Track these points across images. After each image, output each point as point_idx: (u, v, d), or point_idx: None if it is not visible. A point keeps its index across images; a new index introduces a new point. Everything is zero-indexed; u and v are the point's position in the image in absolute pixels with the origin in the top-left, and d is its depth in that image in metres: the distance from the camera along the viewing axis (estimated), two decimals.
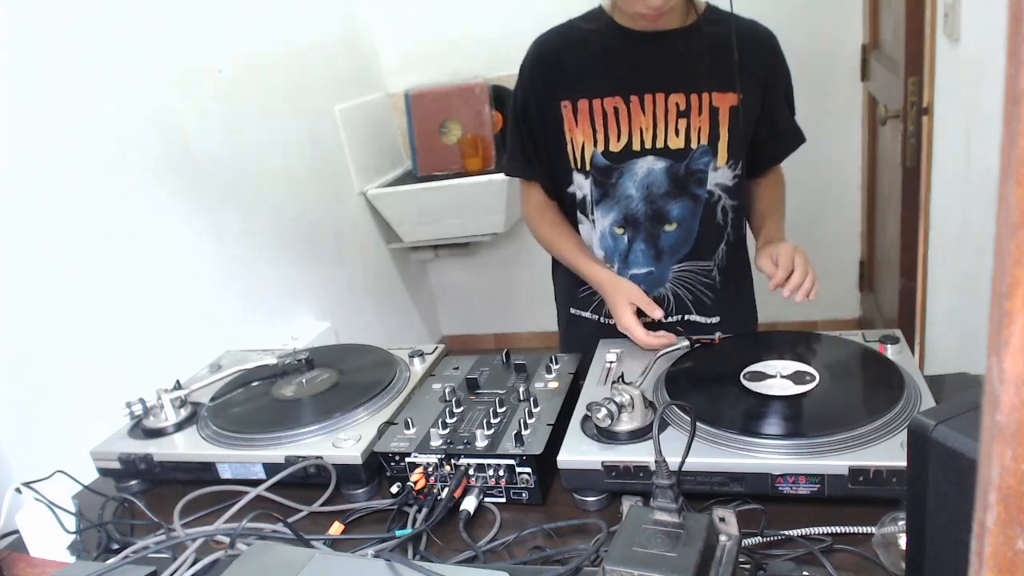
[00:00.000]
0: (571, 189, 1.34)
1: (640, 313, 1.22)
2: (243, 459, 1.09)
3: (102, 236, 1.72)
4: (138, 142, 1.86)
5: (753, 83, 1.26)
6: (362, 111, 2.98)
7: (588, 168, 1.30)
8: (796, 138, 1.37)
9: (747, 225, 1.39)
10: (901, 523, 0.76)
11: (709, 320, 1.38)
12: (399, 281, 3.26)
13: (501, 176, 2.80)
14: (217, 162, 2.15)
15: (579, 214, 1.36)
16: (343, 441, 1.05)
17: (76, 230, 1.65)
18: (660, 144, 1.26)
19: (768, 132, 1.32)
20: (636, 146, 1.26)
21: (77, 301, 1.63)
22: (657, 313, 1.21)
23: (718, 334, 1.18)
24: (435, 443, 1.01)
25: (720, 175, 1.29)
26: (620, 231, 1.32)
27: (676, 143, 1.26)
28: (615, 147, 1.27)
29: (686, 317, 1.37)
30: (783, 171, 1.43)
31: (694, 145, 1.26)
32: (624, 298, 1.23)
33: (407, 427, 1.06)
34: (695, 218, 1.31)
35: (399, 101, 3.12)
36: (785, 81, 1.33)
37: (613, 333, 1.28)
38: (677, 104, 1.24)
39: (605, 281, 1.28)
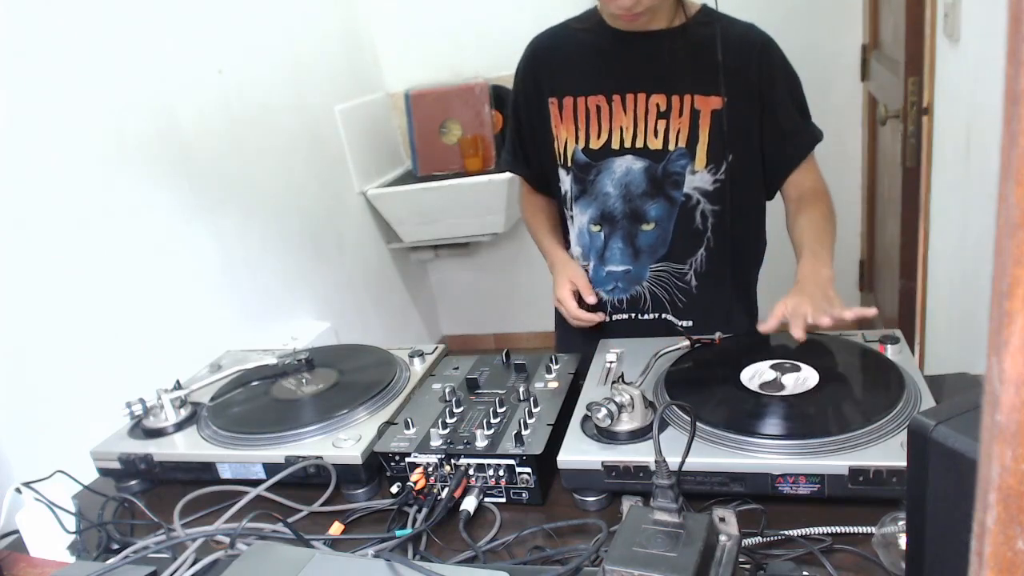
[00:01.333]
0: (559, 185, 1.36)
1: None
2: (243, 459, 1.08)
3: (102, 236, 1.72)
4: (138, 142, 1.86)
5: (746, 88, 1.24)
6: (362, 111, 2.98)
7: (569, 165, 1.31)
8: (809, 139, 1.31)
9: (731, 233, 1.33)
10: (901, 523, 0.76)
11: (682, 323, 1.35)
12: (399, 281, 3.26)
13: (501, 176, 2.80)
14: (217, 162, 2.15)
15: (564, 210, 1.38)
16: (343, 441, 1.05)
17: (76, 230, 1.65)
18: (640, 144, 1.26)
19: (774, 136, 1.29)
20: (615, 144, 1.27)
21: (77, 301, 1.63)
22: (591, 299, 1.30)
23: (718, 334, 1.18)
24: (435, 443, 1.01)
25: (699, 179, 1.27)
26: (596, 228, 1.33)
27: (655, 144, 1.26)
28: (595, 144, 1.28)
29: (663, 315, 1.36)
30: (830, 197, 1.33)
31: (671, 147, 1.25)
32: (566, 276, 1.33)
33: (407, 427, 1.06)
34: (671, 220, 1.30)
35: (399, 101, 3.12)
36: (788, 83, 1.29)
37: (612, 333, 1.28)
38: (658, 105, 1.25)
39: (557, 260, 1.38)
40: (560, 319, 1.49)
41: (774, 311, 1.10)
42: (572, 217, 1.36)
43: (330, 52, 2.85)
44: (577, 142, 1.29)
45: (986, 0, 1.43)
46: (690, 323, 1.35)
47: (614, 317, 1.37)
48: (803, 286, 1.14)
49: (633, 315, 1.37)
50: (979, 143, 1.52)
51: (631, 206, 1.30)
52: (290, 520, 0.98)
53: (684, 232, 1.31)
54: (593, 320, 1.30)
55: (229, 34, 2.26)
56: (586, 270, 1.37)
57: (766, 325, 1.09)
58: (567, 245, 1.42)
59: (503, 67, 2.93)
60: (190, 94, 2.07)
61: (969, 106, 1.59)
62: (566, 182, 1.34)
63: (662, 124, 1.25)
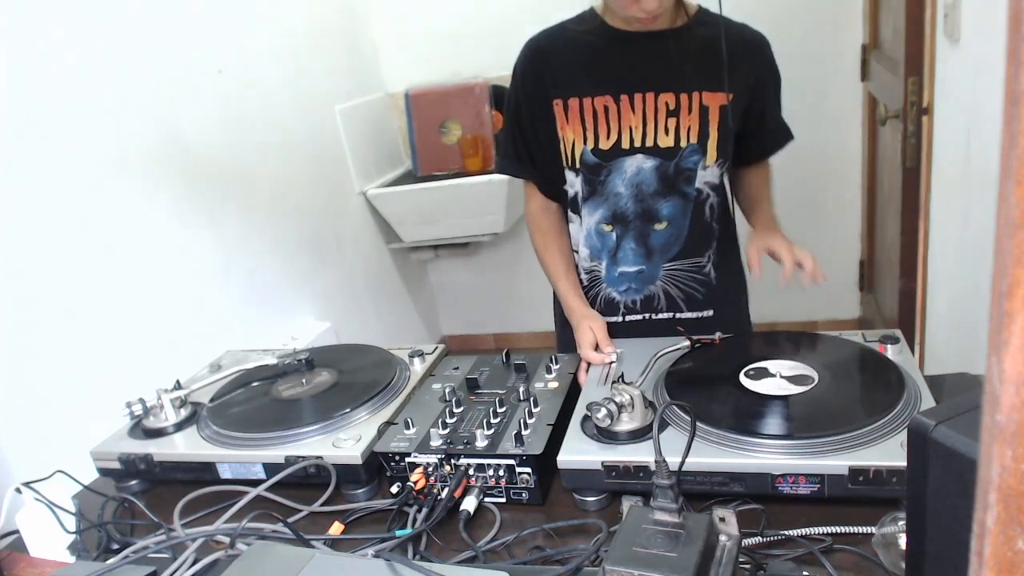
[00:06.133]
0: (566, 187, 1.36)
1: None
2: (243, 459, 1.09)
3: (102, 236, 1.72)
4: (138, 142, 1.86)
5: (742, 84, 1.27)
6: (362, 111, 2.98)
7: (578, 166, 1.31)
8: (785, 135, 1.40)
9: (735, 217, 1.42)
10: (901, 523, 0.76)
11: (702, 314, 1.39)
12: (399, 281, 3.26)
13: (501, 176, 2.78)
14: (217, 162, 2.15)
15: (570, 212, 1.38)
16: (343, 441, 1.05)
17: (76, 230, 1.65)
18: (650, 143, 1.27)
19: (758, 130, 1.35)
20: (626, 144, 1.28)
21: (77, 301, 1.63)
22: (608, 349, 1.21)
23: (718, 334, 1.18)
24: (435, 443, 1.01)
25: (709, 174, 1.30)
26: (608, 228, 1.34)
27: (666, 142, 1.27)
28: (604, 144, 1.28)
29: (677, 315, 1.38)
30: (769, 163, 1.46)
31: (683, 144, 1.27)
32: (587, 326, 1.25)
33: (407, 427, 1.06)
34: (685, 217, 1.32)
35: (399, 101, 3.12)
36: (775, 82, 1.36)
37: (611, 333, 1.28)
38: (667, 103, 1.26)
39: (576, 309, 1.33)
40: (561, 319, 1.49)
41: (751, 257, 1.23)
42: (580, 218, 1.36)
43: (330, 52, 2.85)
44: (586, 143, 1.29)
45: (986, 0, 1.43)
46: (710, 312, 1.39)
47: (627, 318, 1.39)
48: (767, 226, 1.32)
49: (648, 315, 1.38)
50: (979, 143, 1.52)
51: (643, 206, 1.31)
52: (290, 520, 0.98)
53: (698, 227, 1.34)
54: (604, 361, 1.22)
55: (229, 34, 2.26)
56: (597, 271, 1.38)
57: (755, 270, 1.22)
58: (570, 249, 1.41)
59: (503, 67, 2.89)
60: (190, 94, 2.06)
61: (969, 106, 1.59)
62: (576, 184, 1.34)
63: (672, 122, 1.26)
